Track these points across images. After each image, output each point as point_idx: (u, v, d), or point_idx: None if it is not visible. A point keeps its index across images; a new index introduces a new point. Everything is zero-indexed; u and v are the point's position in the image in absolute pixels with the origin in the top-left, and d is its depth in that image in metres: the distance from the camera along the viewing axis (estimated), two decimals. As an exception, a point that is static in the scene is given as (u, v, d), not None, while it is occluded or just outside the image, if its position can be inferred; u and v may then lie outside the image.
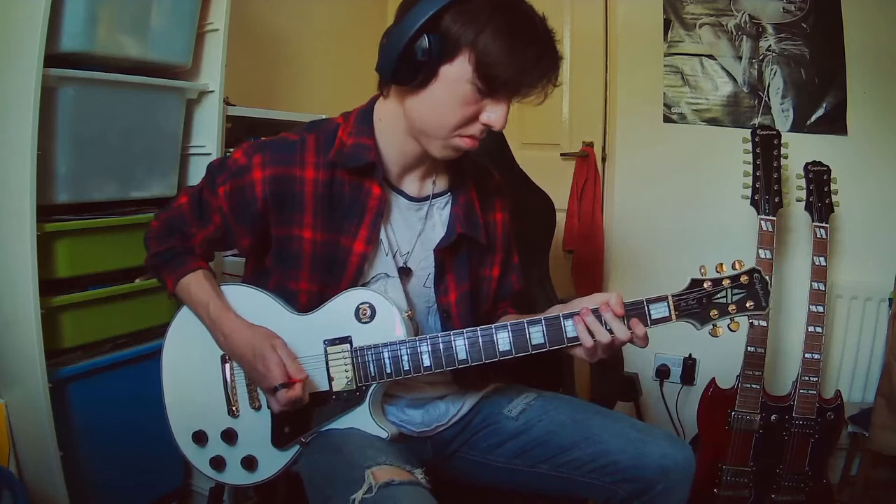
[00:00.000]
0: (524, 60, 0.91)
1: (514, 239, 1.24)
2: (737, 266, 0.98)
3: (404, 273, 1.08)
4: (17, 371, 1.37)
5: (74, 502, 1.38)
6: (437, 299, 1.10)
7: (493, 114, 0.95)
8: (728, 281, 0.97)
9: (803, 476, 1.77)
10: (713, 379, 1.81)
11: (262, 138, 1.08)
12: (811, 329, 1.76)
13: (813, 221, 1.81)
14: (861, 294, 2.05)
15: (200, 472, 1.12)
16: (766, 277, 0.98)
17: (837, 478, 2.03)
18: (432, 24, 0.89)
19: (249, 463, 1.07)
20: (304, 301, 1.06)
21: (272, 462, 1.07)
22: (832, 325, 2.05)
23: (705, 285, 0.97)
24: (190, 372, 1.12)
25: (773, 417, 1.76)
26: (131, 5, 1.44)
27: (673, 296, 0.97)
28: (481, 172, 1.18)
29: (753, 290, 0.97)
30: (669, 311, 0.97)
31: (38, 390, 1.32)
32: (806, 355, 1.75)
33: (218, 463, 1.09)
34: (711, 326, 0.98)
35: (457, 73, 0.92)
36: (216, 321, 1.06)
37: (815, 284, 1.77)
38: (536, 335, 0.99)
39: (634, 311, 0.97)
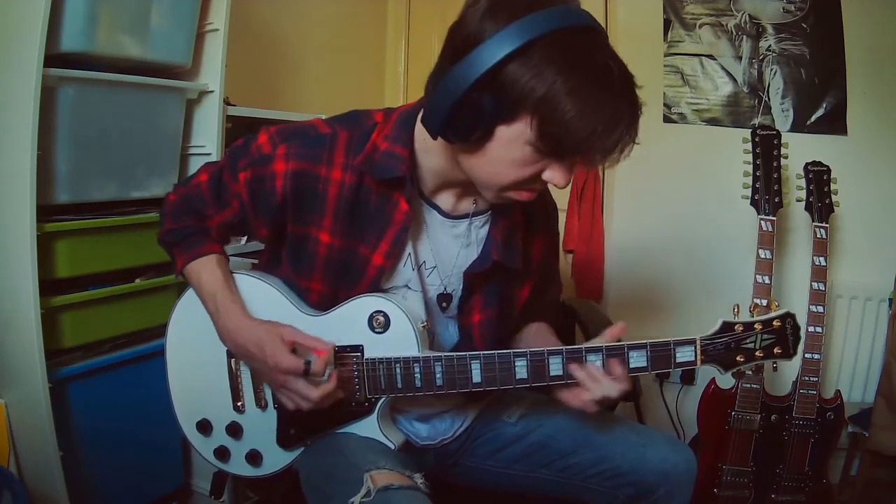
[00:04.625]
0: (598, 125, 0.77)
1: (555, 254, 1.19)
2: (772, 307, 0.94)
3: (444, 299, 1.03)
4: (17, 371, 1.37)
5: (74, 502, 1.38)
6: (460, 319, 1.05)
7: (556, 174, 0.85)
8: (760, 325, 0.93)
9: (803, 476, 1.77)
10: (713, 379, 1.80)
11: (291, 124, 1.01)
12: (811, 329, 1.76)
13: (813, 221, 1.81)
14: (861, 294, 2.05)
15: (202, 472, 1.11)
16: (799, 323, 0.94)
17: (837, 478, 2.03)
18: (489, 80, 0.77)
19: (254, 458, 1.06)
20: (316, 300, 1.02)
21: (277, 459, 1.06)
22: (832, 325, 2.05)
23: (736, 328, 0.93)
24: (194, 360, 1.09)
25: (773, 417, 1.76)
26: (131, 5, 1.44)
27: (702, 339, 0.93)
28: None
29: (784, 335, 0.93)
30: (696, 356, 0.93)
31: (38, 390, 1.32)
32: (806, 355, 1.75)
33: (222, 454, 1.08)
34: (735, 371, 0.94)
35: (515, 135, 0.81)
36: (222, 313, 1.00)
37: (815, 284, 1.77)
38: (555, 366, 0.95)
39: (660, 351, 0.93)
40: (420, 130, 0.94)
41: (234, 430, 1.07)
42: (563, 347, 0.95)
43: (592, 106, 0.77)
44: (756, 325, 0.93)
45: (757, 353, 0.94)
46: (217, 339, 1.05)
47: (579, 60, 0.77)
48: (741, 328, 0.93)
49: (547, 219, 1.15)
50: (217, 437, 1.08)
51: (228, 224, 1.07)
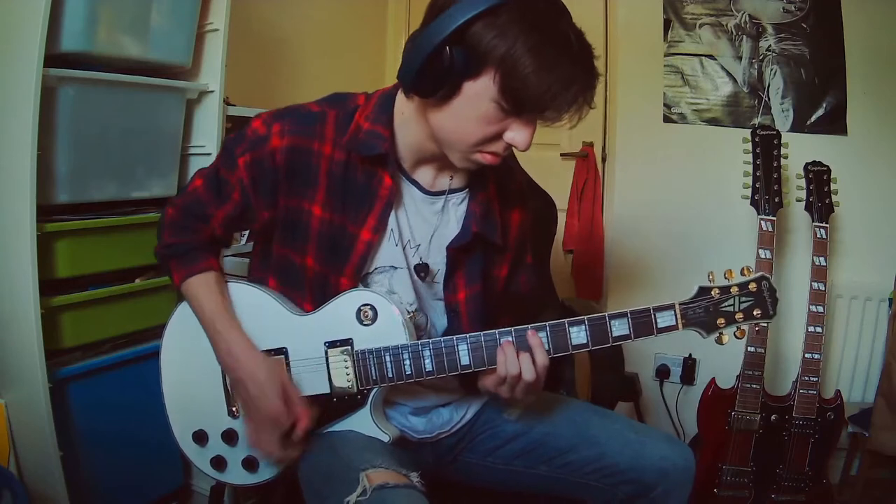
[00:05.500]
0: (554, 83, 0.84)
1: (531, 240, 1.20)
2: (745, 273, 0.96)
3: (421, 269, 1.05)
4: (17, 371, 1.37)
5: (74, 502, 1.38)
6: (446, 297, 1.08)
7: (517, 134, 0.90)
8: (736, 289, 0.95)
9: (803, 476, 1.77)
10: (713, 379, 1.81)
11: (283, 106, 1.04)
12: (811, 329, 1.76)
13: (813, 221, 1.81)
14: (861, 294, 2.06)
15: (201, 472, 1.11)
16: (775, 285, 0.96)
17: (837, 478, 2.03)
18: (458, 36, 0.83)
19: (250, 464, 1.07)
20: (310, 277, 1.03)
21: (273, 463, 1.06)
22: (832, 325, 2.05)
23: (713, 293, 0.95)
24: (189, 371, 1.11)
25: (773, 417, 1.76)
26: (131, 5, 1.44)
27: (680, 304, 0.95)
28: (504, 170, 1.10)
29: (761, 297, 0.95)
30: (676, 319, 0.95)
31: (38, 390, 1.32)
32: (806, 355, 1.75)
33: (219, 463, 1.09)
34: (717, 335, 0.96)
35: (480, 91, 0.86)
36: (223, 334, 1.03)
37: (815, 284, 1.77)
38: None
39: (641, 318, 0.95)
40: (399, 106, 1.00)
41: (230, 437, 1.08)
42: (547, 323, 0.97)
43: (549, 65, 0.83)
44: (732, 289, 0.95)
45: (737, 316, 0.95)
46: (209, 348, 1.07)
47: (541, 24, 0.84)
48: (718, 292, 0.95)
49: (520, 195, 1.17)
50: (213, 446, 1.09)
51: (231, 217, 1.08)
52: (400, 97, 1.00)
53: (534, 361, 0.96)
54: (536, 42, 0.83)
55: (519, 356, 0.96)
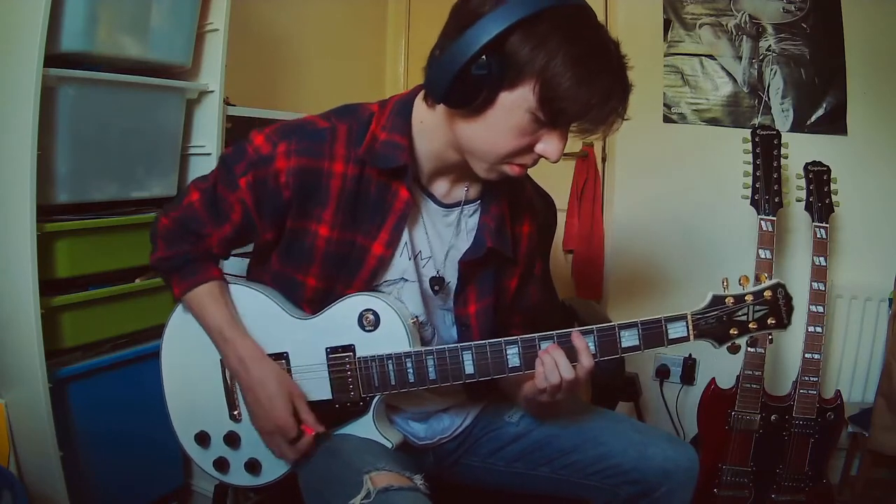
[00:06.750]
0: (594, 95, 0.81)
1: (539, 250, 1.18)
2: (761, 279, 0.93)
3: (437, 282, 1.03)
4: (17, 371, 1.37)
5: (74, 502, 1.38)
6: (455, 310, 1.06)
7: (549, 145, 0.88)
8: (751, 297, 0.92)
9: (803, 476, 1.77)
10: (713, 379, 1.80)
11: (287, 121, 1.00)
12: (811, 329, 1.76)
13: (813, 221, 1.81)
14: (861, 294, 2.06)
15: (202, 472, 1.11)
16: (791, 293, 0.93)
17: (837, 478, 2.03)
18: (495, 46, 0.80)
19: (253, 466, 1.06)
20: (309, 295, 1.02)
21: (275, 466, 1.06)
22: (832, 325, 2.05)
23: (727, 301, 0.92)
24: (190, 374, 1.10)
25: (773, 417, 1.76)
26: (131, 5, 1.44)
27: (693, 314, 0.92)
28: (514, 181, 1.04)
29: (776, 306, 0.92)
30: (688, 330, 0.92)
31: (38, 390, 1.32)
32: (806, 355, 1.75)
33: (221, 465, 1.08)
34: (730, 344, 0.93)
35: (516, 102, 0.83)
36: (231, 343, 1.01)
37: (815, 284, 1.77)
38: None
39: (651, 329, 0.93)
40: (417, 114, 0.97)
41: (232, 440, 1.07)
42: (554, 332, 0.95)
43: (590, 77, 0.81)
44: (747, 297, 0.92)
45: (751, 326, 0.93)
46: (211, 351, 1.06)
47: (581, 34, 0.82)
48: (732, 301, 0.92)
49: (529, 208, 1.14)
50: (215, 448, 1.08)
51: (228, 239, 1.05)
52: (419, 105, 0.96)
53: (578, 366, 0.94)
54: (578, 53, 0.80)
55: (558, 364, 0.93)
